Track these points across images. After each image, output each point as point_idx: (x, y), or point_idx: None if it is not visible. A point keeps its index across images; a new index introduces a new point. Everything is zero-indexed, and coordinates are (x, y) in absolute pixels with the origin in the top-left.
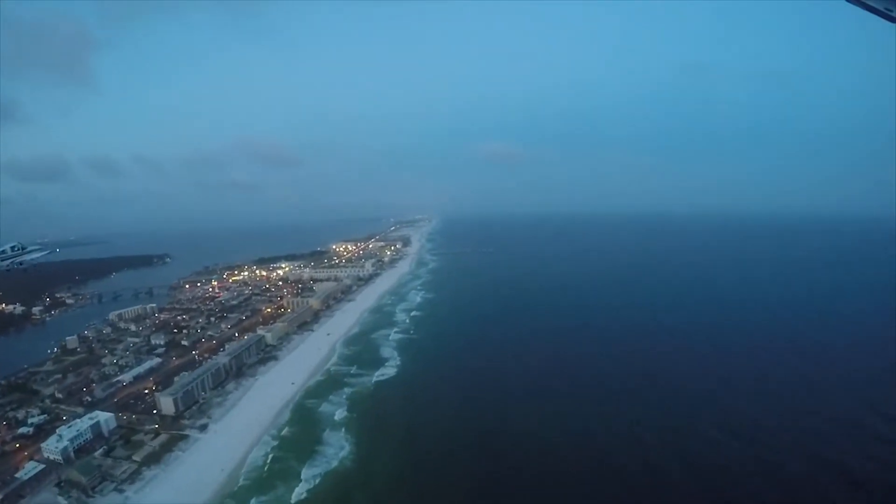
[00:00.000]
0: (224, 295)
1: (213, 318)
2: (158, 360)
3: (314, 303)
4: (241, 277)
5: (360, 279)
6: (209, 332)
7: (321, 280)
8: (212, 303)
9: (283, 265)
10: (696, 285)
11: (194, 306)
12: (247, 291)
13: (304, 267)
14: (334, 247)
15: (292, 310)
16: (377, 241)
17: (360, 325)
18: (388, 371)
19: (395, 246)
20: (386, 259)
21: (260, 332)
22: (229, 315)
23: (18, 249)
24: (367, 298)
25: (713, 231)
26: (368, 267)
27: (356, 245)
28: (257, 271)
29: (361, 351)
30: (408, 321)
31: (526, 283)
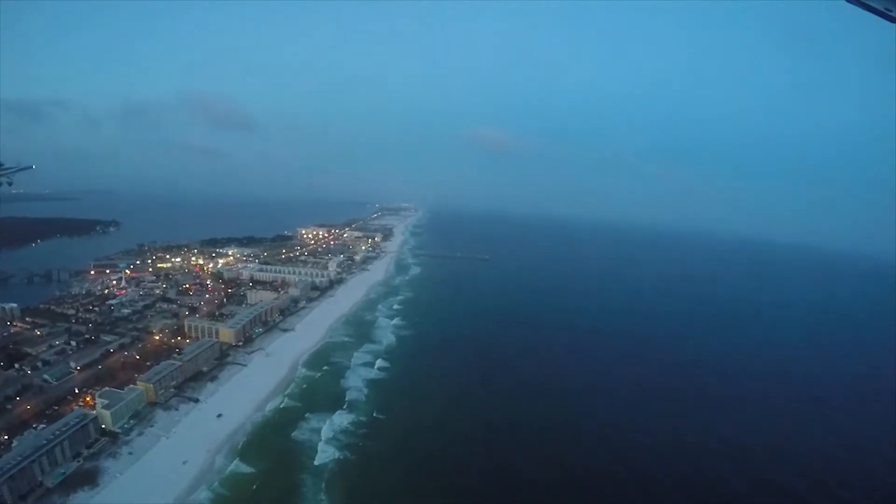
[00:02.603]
0: (127, 293)
1: (76, 343)
2: None
3: (225, 333)
4: (170, 265)
5: (315, 288)
6: (45, 376)
7: (264, 283)
8: (101, 307)
9: (231, 252)
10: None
11: (71, 311)
12: (157, 291)
13: (253, 258)
14: (303, 231)
15: (191, 340)
16: (354, 229)
17: (281, 396)
18: None
19: (373, 238)
20: (358, 257)
21: (99, 404)
22: (105, 337)
23: None
24: (313, 328)
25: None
26: (332, 268)
27: (329, 232)
28: (194, 259)
29: (266, 472)
30: (364, 392)
31: (542, 314)
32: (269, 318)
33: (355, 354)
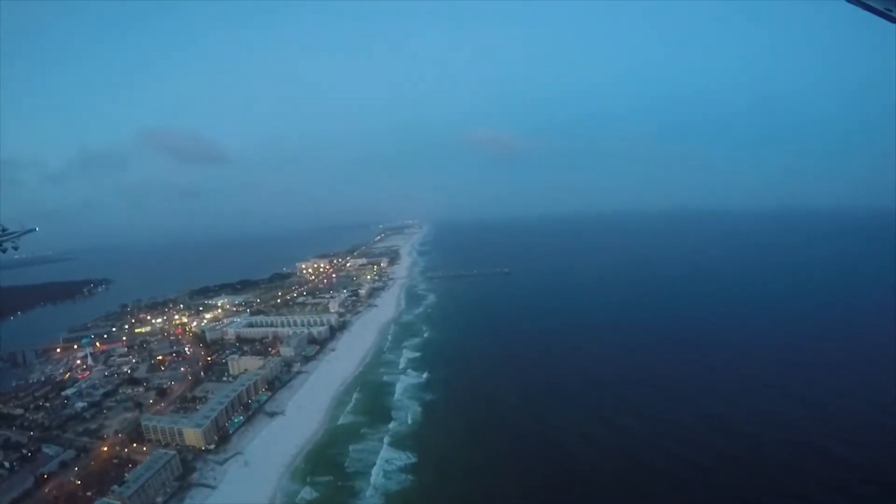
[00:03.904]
0: (91, 375)
1: (9, 464)
2: None
3: (191, 436)
4: (150, 328)
5: (313, 341)
6: None
7: (252, 341)
8: (54, 401)
9: (220, 303)
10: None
11: (18, 411)
12: (126, 368)
13: (245, 306)
14: (303, 266)
15: (150, 446)
16: (358, 255)
17: None
18: None
19: (379, 265)
20: (363, 290)
21: None
22: (47, 449)
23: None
24: (308, 406)
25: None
26: (333, 310)
27: (331, 263)
28: (178, 316)
29: None
30: None
31: (588, 330)
32: (251, 398)
33: (366, 446)
